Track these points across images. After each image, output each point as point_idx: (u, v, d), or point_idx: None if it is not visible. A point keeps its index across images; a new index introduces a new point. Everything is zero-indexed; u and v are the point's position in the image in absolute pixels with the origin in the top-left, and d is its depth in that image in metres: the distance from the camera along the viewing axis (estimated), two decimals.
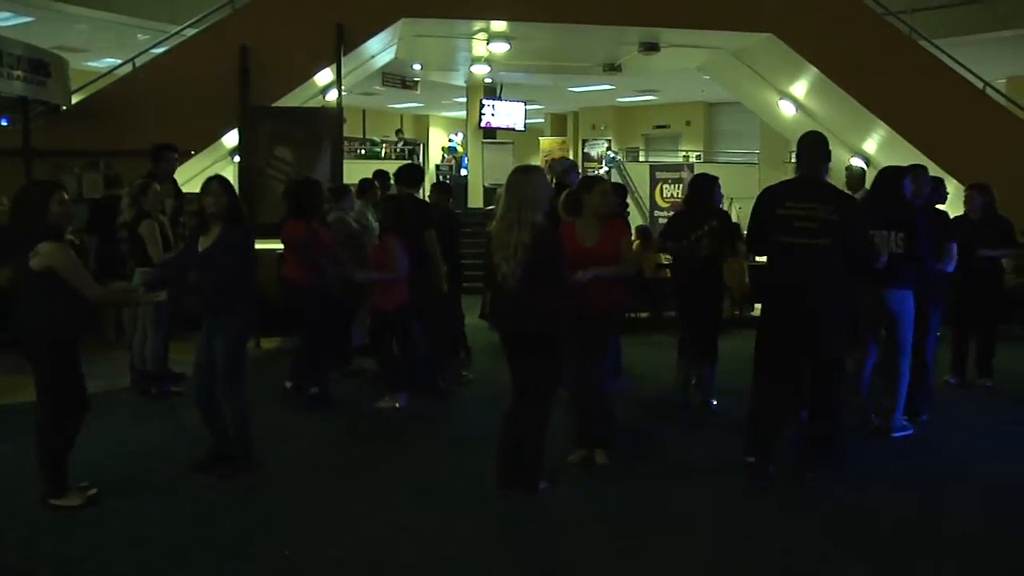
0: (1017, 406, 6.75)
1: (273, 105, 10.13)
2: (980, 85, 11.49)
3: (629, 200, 9.34)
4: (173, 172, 7.47)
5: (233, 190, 4.90)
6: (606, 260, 4.89)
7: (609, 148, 22.78)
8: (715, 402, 6.45)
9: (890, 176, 5.73)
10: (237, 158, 10.29)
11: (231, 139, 10.48)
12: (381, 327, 6.61)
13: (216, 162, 11.41)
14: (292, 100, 10.83)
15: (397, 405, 6.43)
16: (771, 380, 4.84)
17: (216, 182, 4.83)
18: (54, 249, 4.28)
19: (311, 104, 11.74)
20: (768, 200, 4.87)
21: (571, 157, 24.87)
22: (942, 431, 5.94)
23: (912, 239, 5.45)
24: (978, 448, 5.59)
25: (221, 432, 4.95)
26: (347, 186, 8.11)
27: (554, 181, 6.65)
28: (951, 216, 6.79)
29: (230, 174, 10.85)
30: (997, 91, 12.10)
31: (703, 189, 6.34)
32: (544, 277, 4.39)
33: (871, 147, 12.87)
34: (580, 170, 11.38)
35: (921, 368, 5.94)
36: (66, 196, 4.40)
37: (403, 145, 23.22)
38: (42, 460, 4.44)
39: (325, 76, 10.71)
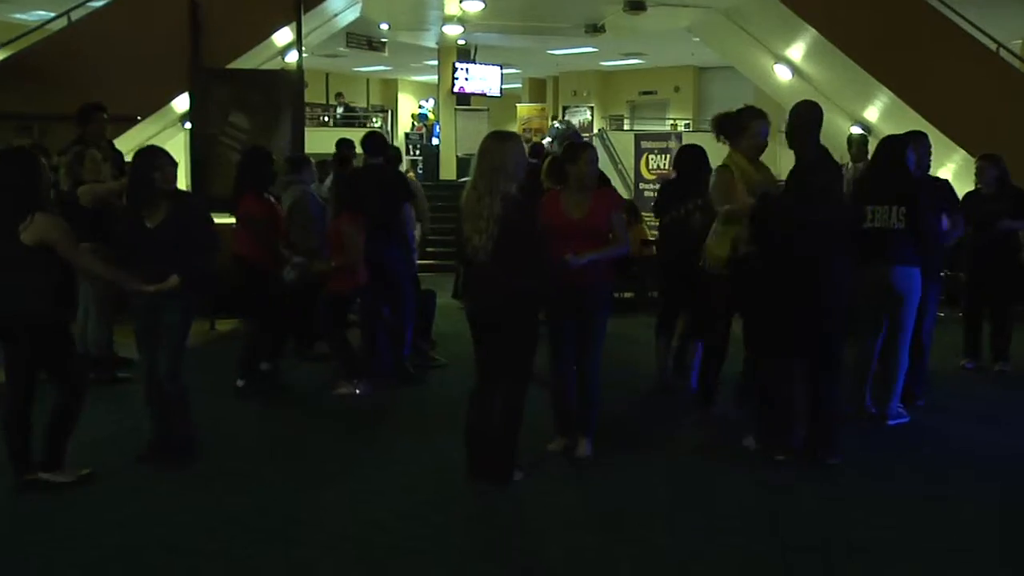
0: None
1: (227, 67, 9.98)
2: (993, 47, 11.50)
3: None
4: (103, 135, 7.34)
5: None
6: (593, 234, 4.86)
7: (556, 118, 22.49)
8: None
9: (891, 146, 5.74)
10: (188, 124, 10.16)
11: (181, 104, 10.32)
12: (336, 309, 6.55)
13: (165, 128, 11.26)
14: (248, 62, 10.69)
15: (357, 392, 6.40)
16: (775, 355, 4.89)
17: (164, 155, 4.82)
18: (49, 221, 4.28)
19: (269, 66, 11.61)
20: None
21: (549, 125, 24.88)
22: (941, 418, 5.97)
23: (914, 213, 5.47)
24: (978, 437, 5.61)
25: (165, 418, 4.96)
26: (307, 157, 8.02)
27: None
28: (949, 182, 6.78)
29: (180, 142, 10.75)
30: (1012, 53, 12.11)
31: (691, 160, 6.34)
32: (517, 251, 4.37)
33: (873, 115, 12.91)
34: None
35: (918, 350, 5.96)
36: (45, 163, 4.45)
37: (344, 111, 22.72)
38: (55, 436, 4.55)
39: (284, 36, 10.58)
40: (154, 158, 4.79)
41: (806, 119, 5.11)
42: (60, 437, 4.58)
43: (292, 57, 10.73)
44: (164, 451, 4.95)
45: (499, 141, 4.55)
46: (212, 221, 5.20)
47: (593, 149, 5.23)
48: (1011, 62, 11.80)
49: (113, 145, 7.68)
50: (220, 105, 9.63)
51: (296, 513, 4.35)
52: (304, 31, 10.32)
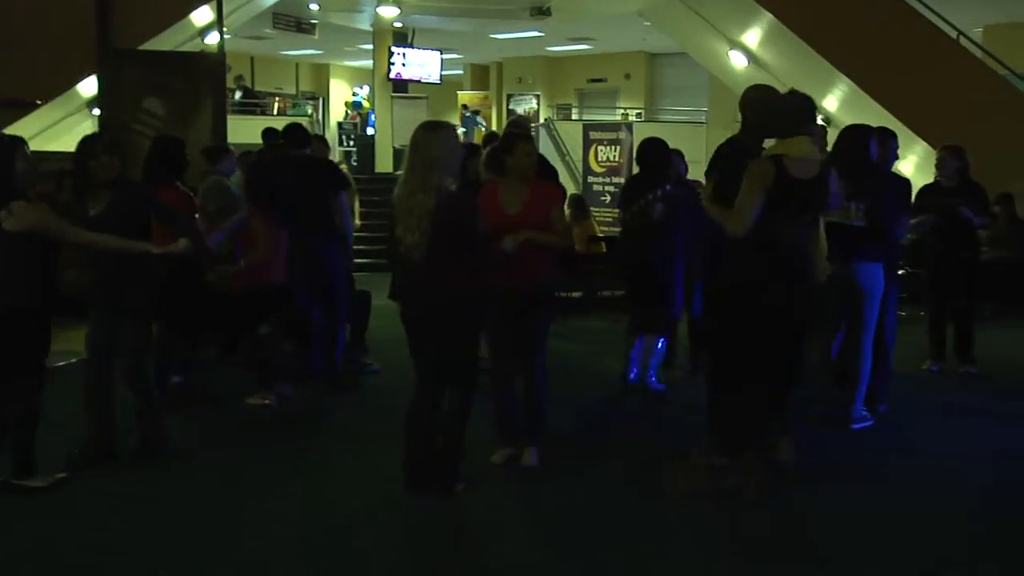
0: (1000, 398, 6.83)
1: (140, 48, 9.77)
2: (954, 35, 11.76)
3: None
4: None
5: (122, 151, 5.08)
6: (531, 228, 4.82)
7: (467, 108, 22.46)
8: (663, 386, 6.62)
9: (853, 137, 5.78)
10: (96, 110, 9.92)
11: (89, 87, 10.07)
12: (251, 311, 6.41)
13: (70, 115, 10.99)
14: (164, 43, 10.50)
15: (267, 402, 6.27)
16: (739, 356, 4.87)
17: (107, 145, 4.96)
18: (30, 208, 4.45)
19: (187, 49, 11.39)
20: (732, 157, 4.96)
21: (494, 114, 24.90)
22: (905, 422, 6.05)
23: (877, 209, 5.54)
24: (943, 441, 5.69)
25: (108, 426, 5.05)
26: (225, 146, 7.87)
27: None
28: (910, 181, 6.90)
29: (88, 129, 10.49)
30: (972, 41, 12.41)
31: (654, 153, 6.47)
32: (454, 249, 4.35)
33: (832, 104, 13.13)
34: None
35: (881, 352, 6.01)
36: (28, 151, 4.62)
37: (243, 96, 22.30)
38: (18, 437, 4.64)
39: (204, 15, 10.42)
40: (91, 146, 4.94)
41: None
42: (26, 437, 4.67)
43: (213, 39, 10.56)
44: (144, 454, 5.11)
45: (431, 132, 4.51)
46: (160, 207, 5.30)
47: (530, 141, 5.24)
48: (972, 51, 12.10)
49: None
50: (132, 89, 9.42)
51: (215, 532, 4.26)
52: (226, 10, 10.17)
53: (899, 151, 6.58)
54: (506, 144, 5.15)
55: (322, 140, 9.45)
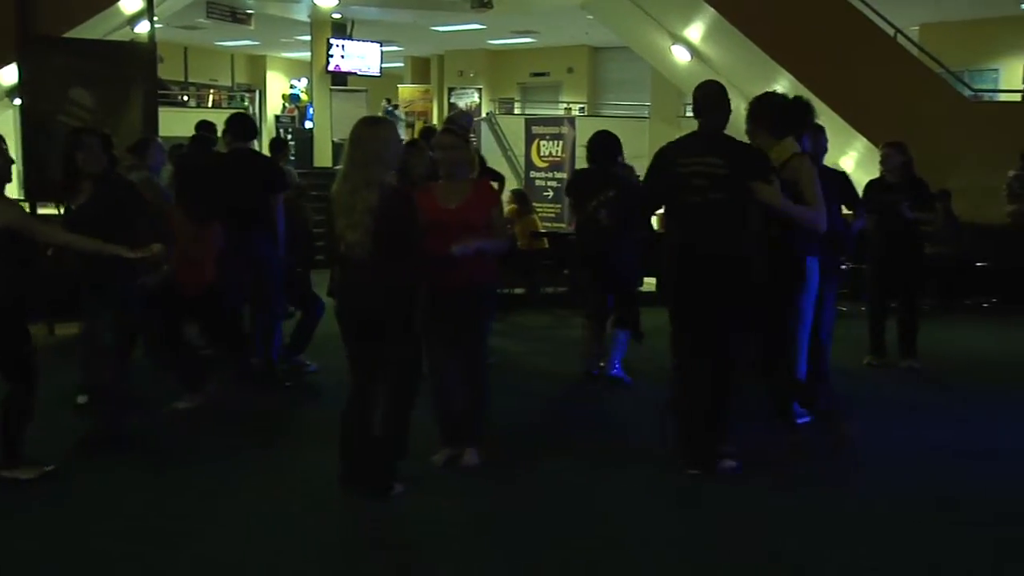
0: (942, 392, 6.91)
1: (65, 36, 9.49)
2: (892, 33, 11.96)
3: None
4: None
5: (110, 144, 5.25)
6: (468, 226, 4.75)
7: (389, 102, 22.28)
8: (624, 374, 6.71)
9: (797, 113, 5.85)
10: (19, 100, 9.61)
11: (9, 76, 9.75)
12: (175, 313, 6.23)
13: None
14: (91, 31, 10.23)
15: (183, 406, 6.10)
16: (691, 357, 4.90)
17: (91, 135, 5.08)
18: (5, 206, 4.46)
19: (116, 37, 11.11)
20: (664, 160, 4.97)
21: (435, 108, 24.80)
22: (845, 417, 6.07)
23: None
24: (883, 437, 5.72)
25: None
26: (152, 139, 7.66)
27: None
28: (847, 175, 6.96)
29: (10, 120, 10.17)
30: (909, 40, 12.64)
31: (603, 148, 6.60)
32: (396, 247, 4.29)
33: None
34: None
35: (818, 348, 6.02)
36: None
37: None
38: (5, 430, 4.65)
39: (133, 3, 10.16)
40: (79, 138, 5.06)
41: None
42: (14, 431, 4.66)
43: (143, 28, 10.30)
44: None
45: (373, 127, 4.46)
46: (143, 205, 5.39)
47: (446, 133, 5.21)
48: (909, 49, 12.33)
49: None
50: (57, 78, 9.12)
51: (152, 536, 4.14)
52: None
53: (841, 147, 6.67)
54: (424, 138, 5.13)
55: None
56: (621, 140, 6.85)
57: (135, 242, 4.93)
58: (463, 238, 4.63)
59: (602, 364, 6.80)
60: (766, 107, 5.41)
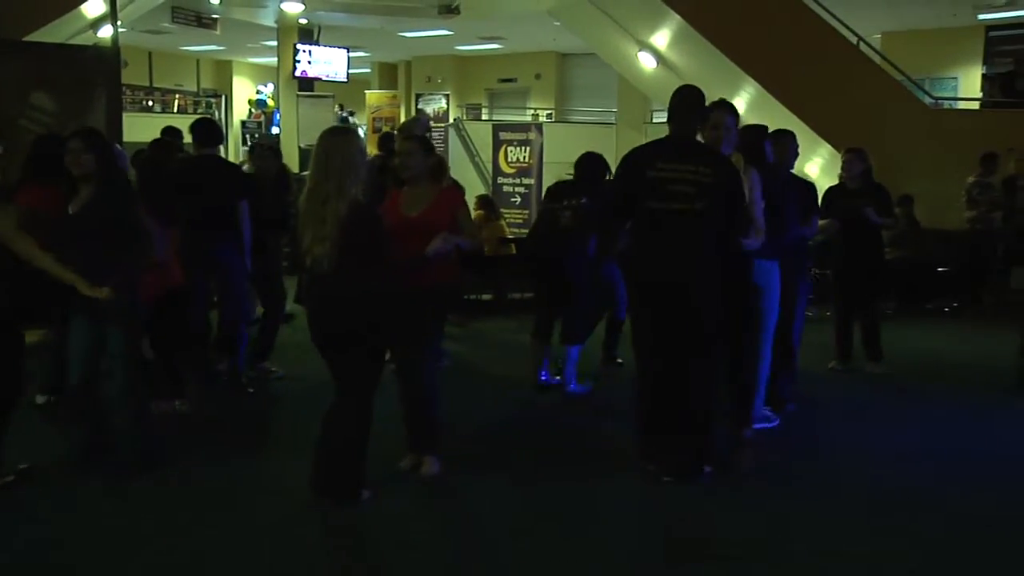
0: (903, 397, 6.97)
1: (26, 39, 9.37)
2: (855, 40, 12.10)
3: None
4: None
5: (103, 143, 4.92)
6: (432, 232, 4.74)
7: (342, 108, 22.16)
8: (582, 387, 6.64)
9: (748, 138, 5.86)
10: None
11: None
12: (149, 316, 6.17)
13: None
14: (53, 35, 10.11)
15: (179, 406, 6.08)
16: (652, 359, 4.90)
17: (78, 139, 4.81)
18: None
19: (79, 41, 10.98)
20: (635, 163, 4.92)
21: (402, 114, 24.71)
22: (810, 421, 6.15)
23: (774, 208, 5.60)
24: (848, 440, 5.78)
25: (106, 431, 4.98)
26: (112, 144, 7.56)
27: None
28: (813, 184, 7.03)
29: None
30: (872, 47, 12.78)
31: (590, 169, 6.68)
32: (363, 260, 4.26)
33: (739, 106, 13.32)
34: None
35: (787, 352, 6.11)
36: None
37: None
38: None
39: (96, 7, 10.06)
40: (67, 138, 4.88)
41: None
42: None
43: (106, 32, 10.19)
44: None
45: (342, 136, 4.41)
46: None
47: (404, 140, 5.21)
48: (871, 56, 12.48)
49: None
50: (18, 83, 8.99)
51: (114, 542, 4.10)
52: (120, 3, 9.81)
53: (806, 154, 6.72)
54: (388, 148, 5.11)
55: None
56: (590, 147, 6.91)
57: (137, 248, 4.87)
58: (419, 248, 4.62)
59: (559, 378, 6.70)
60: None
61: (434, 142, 18.89)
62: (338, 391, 4.50)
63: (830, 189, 7.53)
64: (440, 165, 5.26)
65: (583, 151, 6.87)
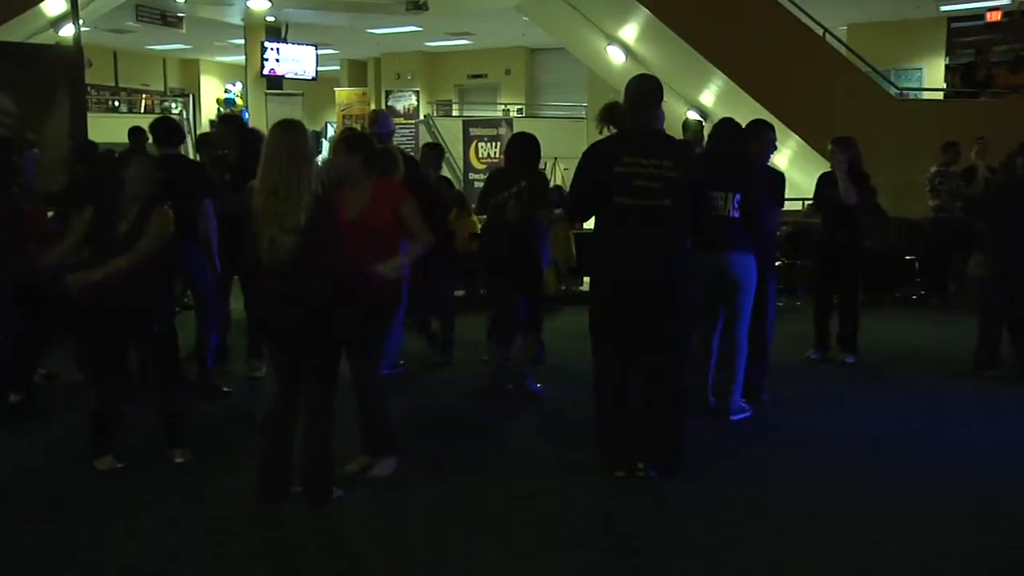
0: (875, 384, 7.01)
1: None
2: (820, 32, 12.14)
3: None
4: None
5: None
6: (372, 236, 4.61)
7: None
8: (538, 385, 6.50)
9: (726, 131, 5.86)
10: None
11: None
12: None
13: None
14: (12, 33, 9.91)
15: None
16: (613, 356, 4.83)
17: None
18: None
19: (39, 40, 10.79)
20: (599, 156, 4.82)
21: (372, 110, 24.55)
22: (786, 411, 6.14)
23: (749, 201, 5.58)
24: (823, 429, 5.78)
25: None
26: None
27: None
28: (783, 175, 7.01)
29: None
30: (838, 39, 12.83)
31: (520, 149, 6.30)
32: (327, 252, 4.20)
33: (708, 99, 13.37)
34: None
35: (760, 343, 6.10)
36: None
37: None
38: None
39: (57, 5, 9.87)
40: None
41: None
42: None
43: (68, 31, 10.00)
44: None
45: (294, 133, 4.27)
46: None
47: (339, 140, 5.02)
48: (838, 48, 12.53)
49: None
50: None
51: (59, 554, 3.98)
52: (82, 1, 9.64)
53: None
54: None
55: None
56: (560, 141, 6.74)
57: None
58: (371, 248, 4.52)
59: (525, 383, 6.47)
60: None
61: (403, 139, 18.71)
62: (282, 394, 4.41)
63: (821, 176, 7.57)
64: (374, 159, 4.88)
65: (555, 145, 6.71)
